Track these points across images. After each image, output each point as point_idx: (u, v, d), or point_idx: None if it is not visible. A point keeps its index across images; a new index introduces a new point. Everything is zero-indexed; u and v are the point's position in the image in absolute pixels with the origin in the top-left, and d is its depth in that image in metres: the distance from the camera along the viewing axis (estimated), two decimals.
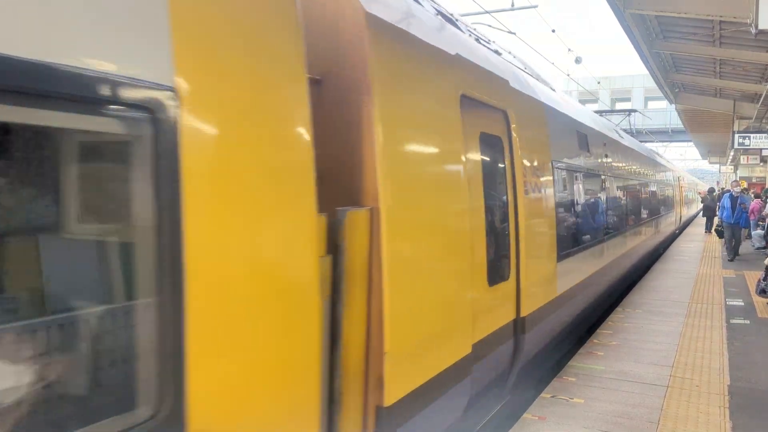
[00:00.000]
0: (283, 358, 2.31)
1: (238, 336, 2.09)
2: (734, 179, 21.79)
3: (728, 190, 23.94)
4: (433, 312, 3.45)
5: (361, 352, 2.91)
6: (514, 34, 11.99)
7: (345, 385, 2.79)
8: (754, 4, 7.05)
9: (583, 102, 14.92)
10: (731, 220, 15.32)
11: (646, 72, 17.48)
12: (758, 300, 9.47)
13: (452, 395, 3.72)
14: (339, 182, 3.00)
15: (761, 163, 26.13)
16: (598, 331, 7.78)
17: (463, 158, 3.92)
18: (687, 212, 28.89)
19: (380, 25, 3.15)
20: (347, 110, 3.03)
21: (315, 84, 2.87)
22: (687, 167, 66.19)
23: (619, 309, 9.13)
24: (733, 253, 15.11)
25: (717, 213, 19.27)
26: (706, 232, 23.94)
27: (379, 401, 2.93)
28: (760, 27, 6.95)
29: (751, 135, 19.41)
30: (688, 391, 5.49)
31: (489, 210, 4.42)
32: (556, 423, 4.76)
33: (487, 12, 12.12)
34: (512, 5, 13.03)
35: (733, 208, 15.36)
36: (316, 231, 2.49)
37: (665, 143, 45.69)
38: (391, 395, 2.98)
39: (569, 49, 19.11)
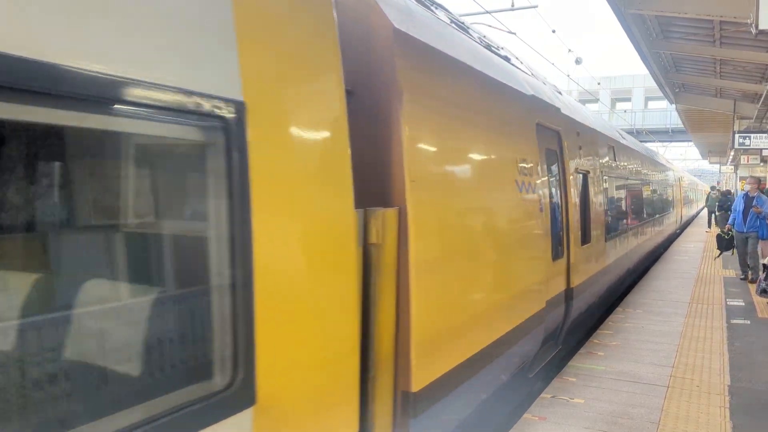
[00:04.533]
0: (330, 332, 2.59)
1: (296, 318, 2.37)
2: (749, 175, 18.46)
3: (728, 191, 23.84)
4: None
5: (390, 340, 3.15)
6: (515, 34, 11.99)
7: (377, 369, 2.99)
8: (754, 4, 7.03)
9: (583, 102, 14.81)
10: (743, 228, 11.53)
11: (647, 72, 17.47)
12: (759, 300, 9.47)
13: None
14: (369, 184, 3.27)
15: (761, 163, 26.10)
16: (598, 331, 7.78)
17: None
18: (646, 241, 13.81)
19: (407, 41, 3.47)
20: (378, 118, 3.30)
21: (348, 95, 3.02)
22: (687, 167, 66.20)
23: (619, 309, 9.13)
24: (751, 271, 11.45)
25: (727, 218, 14.19)
26: (707, 231, 24.23)
27: (406, 387, 3.19)
28: (761, 27, 6.94)
29: (752, 135, 19.39)
30: (689, 391, 5.49)
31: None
32: (556, 423, 4.76)
33: (487, 12, 12.14)
34: (512, 5, 13.04)
35: (746, 212, 11.44)
36: (355, 225, 2.79)
37: (665, 143, 45.77)
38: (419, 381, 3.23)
39: (569, 50, 19.17)
